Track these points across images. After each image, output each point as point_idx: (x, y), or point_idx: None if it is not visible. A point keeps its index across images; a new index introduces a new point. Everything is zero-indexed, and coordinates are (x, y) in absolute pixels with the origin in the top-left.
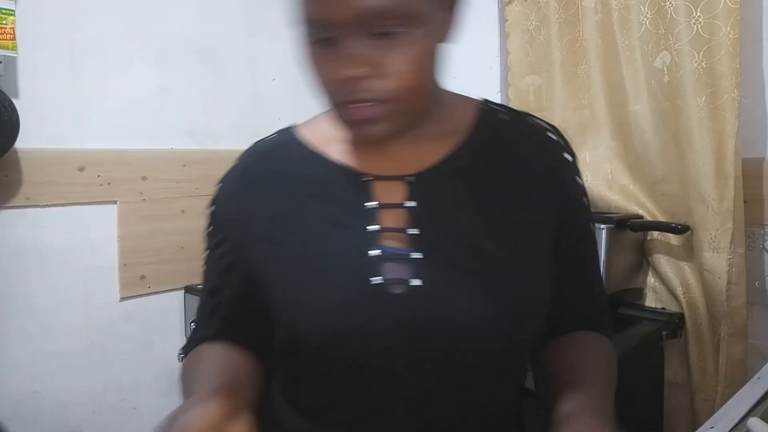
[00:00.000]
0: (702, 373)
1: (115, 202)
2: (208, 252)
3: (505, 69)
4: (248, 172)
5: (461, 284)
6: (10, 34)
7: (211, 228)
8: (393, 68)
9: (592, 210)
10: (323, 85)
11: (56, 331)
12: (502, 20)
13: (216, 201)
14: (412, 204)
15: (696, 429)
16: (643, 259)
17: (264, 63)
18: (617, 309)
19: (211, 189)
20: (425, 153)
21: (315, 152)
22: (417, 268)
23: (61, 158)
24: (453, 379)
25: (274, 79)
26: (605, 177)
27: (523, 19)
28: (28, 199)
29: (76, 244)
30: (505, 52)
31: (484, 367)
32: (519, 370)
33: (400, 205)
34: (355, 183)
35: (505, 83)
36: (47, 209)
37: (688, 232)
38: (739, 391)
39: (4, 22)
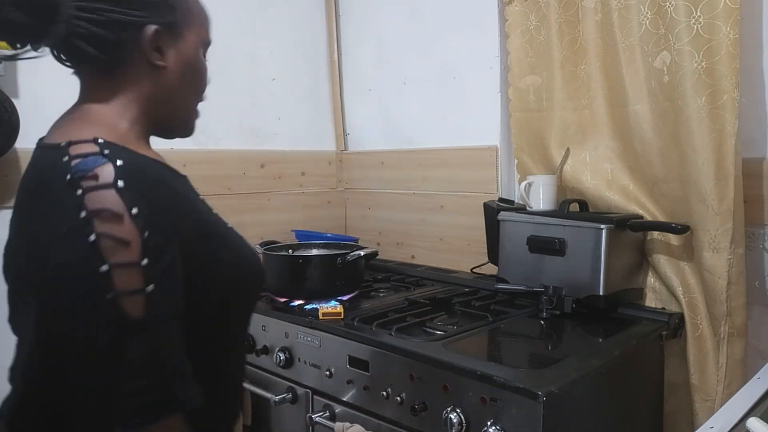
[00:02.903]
0: (702, 373)
1: None
2: (148, 263)
3: (505, 69)
4: (155, 183)
5: None
6: None
7: (147, 234)
8: None
9: (592, 210)
10: (203, 90)
11: None
12: (502, 20)
13: (141, 205)
14: None
15: (696, 429)
16: (643, 259)
17: (264, 63)
18: (617, 309)
19: (211, 189)
20: None
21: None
22: None
23: None
24: None
25: (274, 79)
26: (605, 177)
27: (523, 19)
28: None
29: None
30: (505, 52)
31: None
32: None
33: None
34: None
35: (505, 83)
36: None
37: (688, 232)
38: (739, 391)
39: None
